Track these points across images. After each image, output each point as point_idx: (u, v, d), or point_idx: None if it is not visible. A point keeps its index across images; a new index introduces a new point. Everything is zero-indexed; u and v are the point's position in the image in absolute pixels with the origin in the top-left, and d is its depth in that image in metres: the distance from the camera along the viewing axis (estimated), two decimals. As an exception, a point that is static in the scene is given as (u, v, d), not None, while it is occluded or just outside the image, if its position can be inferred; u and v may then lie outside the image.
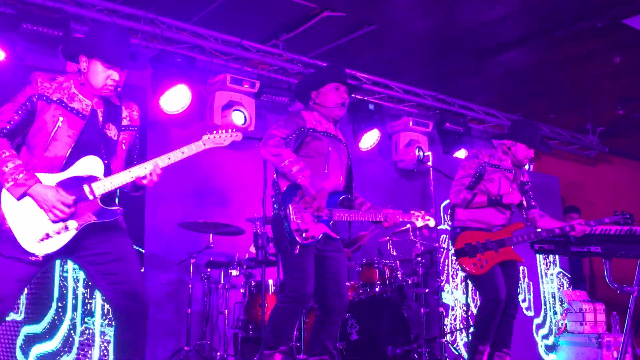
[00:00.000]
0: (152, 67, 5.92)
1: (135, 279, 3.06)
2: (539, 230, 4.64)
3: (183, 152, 3.15)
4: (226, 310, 5.44)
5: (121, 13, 5.63)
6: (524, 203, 4.80)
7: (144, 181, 3.06)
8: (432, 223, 4.13)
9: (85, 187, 2.95)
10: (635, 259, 4.80)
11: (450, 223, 4.82)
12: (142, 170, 3.04)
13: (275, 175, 3.87)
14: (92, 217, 2.97)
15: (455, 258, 4.67)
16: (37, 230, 2.87)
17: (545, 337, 7.78)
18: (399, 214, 3.97)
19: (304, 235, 3.67)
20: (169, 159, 3.12)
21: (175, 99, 5.89)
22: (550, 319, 7.93)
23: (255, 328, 5.24)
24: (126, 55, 3.13)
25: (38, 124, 2.98)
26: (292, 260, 3.71)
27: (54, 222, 2.89)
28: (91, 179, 2.98)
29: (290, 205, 3.70)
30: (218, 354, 5.33)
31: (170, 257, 5.86)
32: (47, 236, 2.88)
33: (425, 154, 6.85)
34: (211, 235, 5.40)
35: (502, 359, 4.57)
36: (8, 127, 2.94)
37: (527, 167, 8.29)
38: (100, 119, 3.10)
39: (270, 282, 5.37)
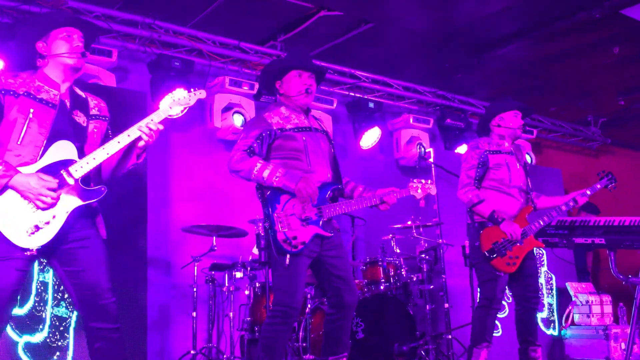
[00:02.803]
0: (151, 72, 5.92)
1: (103, 289, 3.02)
2: (551, 212, 4.64)
3: (152, 120, 3.13)
4: (231, 313, 5.44)
5: (118, 19, 5.64)
6: (530, 185, 4.79)
7: (141, 142, 3.08)
8: (433, 191, 3.93)
9: (63, 172, 2.94)
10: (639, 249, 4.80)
11: (468, 220, 4.75)
12: (116, 145, 3.03)
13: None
14: (77, 201, 2.96)
15: (484, 261, 4.49)
16: (25, 223, 2.86)
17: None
18: (396, 192, 3.77)
19: (292, 243, 3.49)
20: (140, 128, 3.09)
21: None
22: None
23: (261, 329, 5.22)
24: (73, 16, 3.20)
25: (8, 119, 2.98)
26: (280, 272, 3.53)
27: (42, 209, 2.88)
28: (67, 163, 2.97)
29: (273, 215, 3.52)
30: (225, 356, 5.33)
31: (174, 261, 5.87)
32: (37, 228, 2.87)
33: (427, 150, 6.83)
34: (214, 238, 5.40)
35: (536, 352, 4.58)
36: None
37: (528, 159, 8.31)
38: (68, 106, 3.12)
39: (275, 283, 5.37)
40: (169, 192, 6.05)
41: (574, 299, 7.21)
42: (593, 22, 6.12)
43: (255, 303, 5.35)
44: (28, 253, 2.86)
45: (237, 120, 6.14)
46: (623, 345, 6.68)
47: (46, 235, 2.88)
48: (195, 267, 5.42)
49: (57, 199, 2.90)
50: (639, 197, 9.69)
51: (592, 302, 7.06)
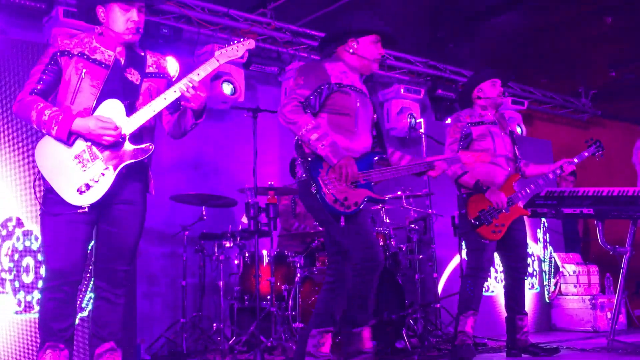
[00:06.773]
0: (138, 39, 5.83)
1: (122, 255, 3.11)
2: (537, 180, 4.67)
3: (198, 74, 3.08)
4: (221, 282, 5.44)
5: (105, -16, 5.53)
6: (517, 153, 4.79)
7: (188, 95, 3.01)
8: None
9: None
10: (627, 220, 4.84)
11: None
12: (162, 101, 3.05)
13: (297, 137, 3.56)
14: (125, 158, 3.00)
15: (472, 229, 4.50)
16: (76, 182, 2.93)
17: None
18: (444, 158, 3.79)
19: (345, 204, 3.39)
20: (193, 78, 3.05)
21: (163, 70, 5.82)
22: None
23: (251, 298, 5.25)
24: None
25: (65, 79, 3.03)
26: (351, 229, 3.42)
27: (109, 143, 2.94)
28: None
29: (318, 179, 3.42)
30: (214, 324, 5.35)
31: (163, 231, 5.85)
32: (88, 186, 2.93)
33: (417, 121, 6.80)
34: (204, 207, 5.38)
35: (522, 321, 4.65)
36: (39, 87, 3.02)
37: (519, 130, 8.29)
38: (122, 63, 3.14)
39: (265, 252, 5.38)
40: (158, 161, 6.01)
41: (561, 269, 7.28)
42: (585, -8, 6.09)
43: (245, 272, 5.35)
44: (80, 211, 2.93)
45: (227, 89, 6.08)
46: (609, 315, 6.77)
47: (96, 193, 2.94)
48: (185, 237, 5.41)
49: (118, 136, 2.95)
50: (628, 169, 9.74)
51: (579, 272, 7.13)
